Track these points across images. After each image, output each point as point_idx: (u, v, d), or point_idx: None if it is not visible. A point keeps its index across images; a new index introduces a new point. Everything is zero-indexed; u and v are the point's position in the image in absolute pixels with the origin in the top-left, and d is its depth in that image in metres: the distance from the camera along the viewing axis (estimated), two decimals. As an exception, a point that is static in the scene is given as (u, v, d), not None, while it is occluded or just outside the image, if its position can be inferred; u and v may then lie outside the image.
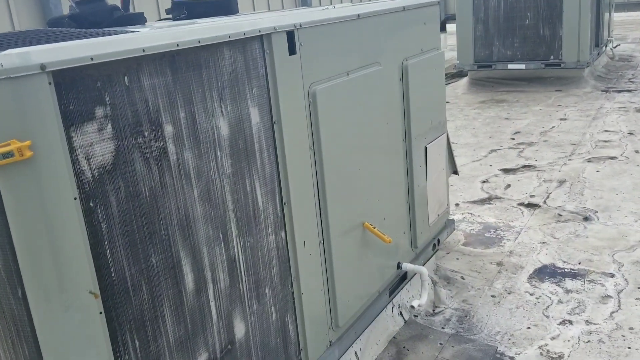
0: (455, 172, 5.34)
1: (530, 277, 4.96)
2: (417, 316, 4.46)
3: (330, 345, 3.37)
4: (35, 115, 1.79)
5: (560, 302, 4.53)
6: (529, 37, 12.50)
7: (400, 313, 4.38)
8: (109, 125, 2.05)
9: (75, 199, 1.91)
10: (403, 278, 4.24)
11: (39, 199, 1.84)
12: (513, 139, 9.24)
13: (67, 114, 1.89)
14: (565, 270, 5.00)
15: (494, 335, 4.21)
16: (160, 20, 4.57)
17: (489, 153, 8.59)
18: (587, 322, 4.24)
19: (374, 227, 3.56)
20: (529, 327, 4.27)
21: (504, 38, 12.75)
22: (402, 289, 4.26)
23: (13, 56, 1.75)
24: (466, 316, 4.46)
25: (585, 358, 3.86)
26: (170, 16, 4.77)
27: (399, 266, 4.08)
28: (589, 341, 4.03)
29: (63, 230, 1.89)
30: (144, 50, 2.11)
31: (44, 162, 1.82)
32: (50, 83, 1.82)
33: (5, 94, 1.74)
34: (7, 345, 2.12)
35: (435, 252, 4.80)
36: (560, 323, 4.26)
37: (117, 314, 2.12)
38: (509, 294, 4.73)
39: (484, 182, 7.40)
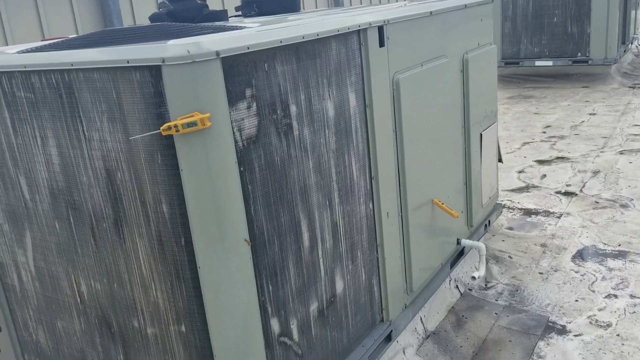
0: (500, 161, 5.69)
1: (574, 257, 5.31)
2: (471, 290, 4.83)
3: (405, 307, 3.76)
4: (211, 94, 2.20)
5: (604, 278, 4.88)
6: (556, 35, 12.78)
7: (457, 286, 4.75)
8: (254, 104, 2.45)
9: (235, 163, 2.32)
10: (460, 254, 4.61)
11: (208, 162, 2.24)
12: (544, 132, 9.56)
13: (230, 93, 2.29)
14: (607, 251, 5.34)
15: (544, 307, 4.57)
16: (231, 17, 4.96)
17: (522, 145, 8.92)
18: (632, 296, 4.59)
19: (443, 204, 3.95)
20: (576, 300, 4.62)
21: (531, 35, 13.03)
22: (458, 263, 4.63)
23: (195, 45, 2.15)
24: (517, 290, 4.82)
25: (632, 326, 4.21)
26: (239, 13, 5.18)
27: (458, 242, 4.45)
28: (634, 312, 4.38)
29: (226, 188, 2.30)
30: (281, 42, 2.51)
31: (216, 132, 2.22)
32: (221, 67, 2.22)
33: (189, 74, 2.15)
34: (165, 286, 2.53)
35: (486, 232, 5.17)
36: (606, 297, 4.62)
37: (258, 262, 2.52)
38: (555, 271, 5.08)
39: (519, 172, 7.74)
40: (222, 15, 4.35)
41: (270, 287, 2.60)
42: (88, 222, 2.69)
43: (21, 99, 2.68)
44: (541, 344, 4.16)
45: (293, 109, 2.67)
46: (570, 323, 4.34)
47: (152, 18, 4.04)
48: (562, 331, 4.27)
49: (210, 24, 3.35)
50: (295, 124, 2.69)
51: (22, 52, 2.82)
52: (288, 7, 5.31)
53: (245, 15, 5.13)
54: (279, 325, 2.68)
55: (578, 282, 4.88)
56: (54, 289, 3.01)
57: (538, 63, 13.15)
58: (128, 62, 2.22)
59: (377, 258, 3.44)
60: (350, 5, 21.25)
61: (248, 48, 2.33)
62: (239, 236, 2.36)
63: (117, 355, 2.88)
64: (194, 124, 2.14)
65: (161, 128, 2.18)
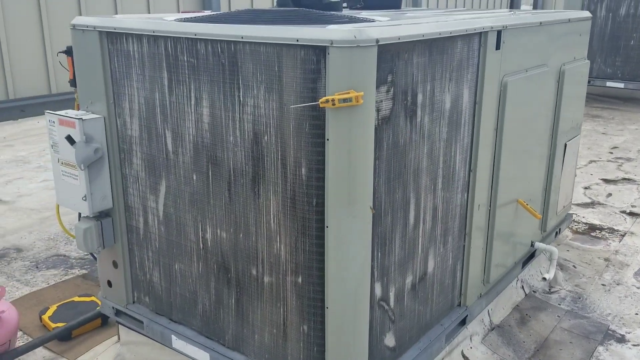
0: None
1: (636, 273, 5.46)
2: (535, 292, 5.05)
3: (480, 296, 4.02)
4: (365, 76, 2.51)
5: (666, 298, 5.03)
6: (631, 58, 12.69)
7: (523, 287, 4.98)
8: (392, 89, 2.75)
9: (372, 139, 2.62)
10: (531, 256, 4.84)
11: (352, 135, 2.56)
12: (611, 152, 9.60)
13: (377, 77, 2.60)
14: (670, 273, 5.48)
15: (605, 316, 4.76)
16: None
17: (589, 163, 9.00)
18: (694, 317, 4.73)
19: (527, 204, 4.18)
20: (636, 314, 4.80)
21: (606, 55, 12.98)
22: (528, 265, 4.86)
23: (360, 31, 2.47)
24: (579, 298, 5.02)
25: (692, 344, 4.38)
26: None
27: (532, 244, 4.68)
28: (695, 332, 4.53)
29: (362, 160, 2.61)
30: (423, 36, 2.80)
31: (364, 109, 2.54)
32: (376, 53, 2.52)
33: (351, 56, 2.46)
34: (290, 240, 2.86)
35: (555, 239, 5.37)
36: (667, 315, 4.78)
37: (373, 230, 2.83)
38: (618, 285, 5.25)
39: (585, 188, 7.86)
40: (337, 5, 4.66)
41: (379, 254, 2.91)
42: (226, 177, 3.05)
43: (183, 63, 3.05)
44: (600, 348, 4.37)
45: (419, 97, 2.96)
46: (629, 333, 4.52)
47: (280, 3, 4.38)
48: (622, 340, 4.46)
49: (344, 13, 3.66)
50: (419, 112, 2.98)
51: (184, 20, 3.19)
52: (391, 4, 5.60)
53: (350, 8, 5.44)
54: (380, 290, 2.98)
55: (639, 297, 5.05)
56: (179, 233, 3.39)
57: (609, 84, 13.09)
58: (297, 41, 2.54)
59: (464, 246, 3.71)
60: (427, 6, 21.37)
61: (399, 38, 2.63)
62: (366, 203, 2.67)
63: (229, 298, 3.24)
64: (349, 99, 2.45)
65: (320, 100, 2.50)
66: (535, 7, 29.20)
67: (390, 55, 2.67)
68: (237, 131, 2.93)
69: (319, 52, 2.54)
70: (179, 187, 3.30)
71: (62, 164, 3.56)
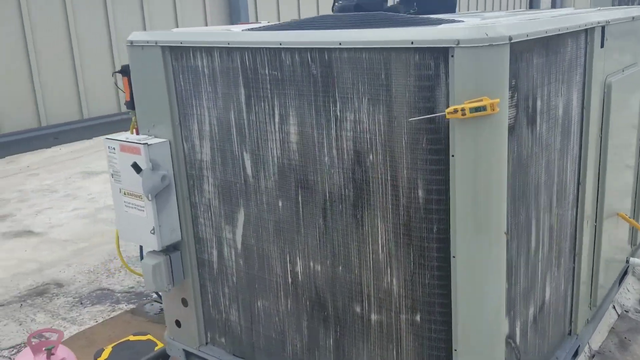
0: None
1: None
2: (628, 312, 4.62)
3: (587, 322, 3.61)
4: (498, 79, 2.15)
5: None
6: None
7: (614, 307, 4.56)
8: (515, 94, 2.38)
9: (505, 152, 2.25)
10: (624, 273, 4.42)
11: (486, 149, 2.19)
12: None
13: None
14: None
15: None
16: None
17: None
18: None
19: (629, 217, 3.79)
20: None
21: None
22: (622, 283, 4.44)
23: (491, 28, 2.11)
24: (677, 316, 4.59)
25: None
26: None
27: (627, 260, 4.27)
28: None
29: (497, 178, 2.24)
30: (546, 32, 2.44)
31: (498, 119, 2.17)
32: (509, 53, 2.16)
33: (482, 58, 2.10)
34: (404, 273, 2.48)
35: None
36: None
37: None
38: None
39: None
40: (398, 9, 4.33)
41: (506, 285, 2.53)
42: (320, 203, 2.69)
43: (264, 76, 2.70)
44: None
45: (538, 103, 2.60)
46: None
47: (338, 8, 4.05)
48: None
49: (428, 16, 3.31)
50: (538, 119, 2.61)
51: (259, 30, 2.85)
52: (447, 7, 5.25)
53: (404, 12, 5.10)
54: (507, 326, 2.59)
55: None
56: (261, 267, 3.03)
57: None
58: (412, 43, 2.19)
59: (573, 268, 3.31)
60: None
61: (527, 35, 2.27)
62: (500, 229, 2.30)
63: (326, 339, 2.86)
64: (482, 108, 2.09)
65: (446, 111, 2.14)
66: (553, 6, 28.76)
67: (514, 56, 2.31)
68: (333, 151, 2.57)
69: (437, 55, 2.18)
70: (260, 216, 2.94)
71: (124, 194, 3.22)
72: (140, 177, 3.06)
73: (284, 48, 2.59)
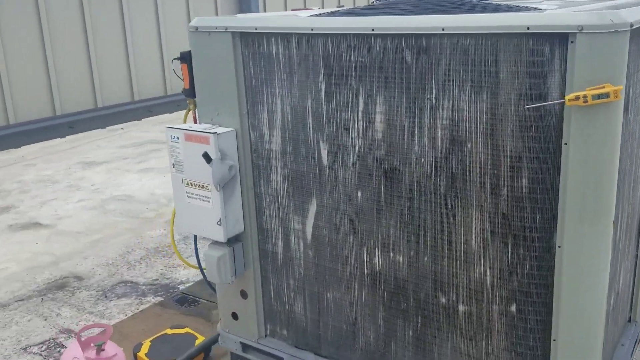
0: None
1: None
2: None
3: (642, 310, 3.64)
4: (619, 66, 2.12)
5: None
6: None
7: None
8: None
9: (619, 140, 2.22)
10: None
11: (603, 137, 2.16)
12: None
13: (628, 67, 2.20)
14: None
15: None
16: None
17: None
18: None
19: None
20: None
21: None
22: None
23: (615, 14, 2.07)
24: None
25: None
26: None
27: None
28: None
29: (610, 166, 2.21)
30: (646, 19, 2.42)
31: (618, 106, 2.14)
32: (629, 39, 2.13)
33: (606, 44, 2.07)
34: (500, 264, 2.45)
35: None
36: None
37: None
38: None
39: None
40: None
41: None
42: (405, 193, 2.64)
43: (348, 63, 2.64)
44: None
45: (631, 91, 2.58)
46: None
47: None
48: None
49: (504, 3, 3.26)
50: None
51: (335, 15, 2.78)
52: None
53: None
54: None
55: None
56: (334, 258, 2.97)
57: None
58: (528, 29, 2.15)
59: (637, 255, 3.33)
60: None
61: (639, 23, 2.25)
62: (610, 218, 2.28)
63: (405, 330, 2.82)
64: (605, 95, 2.06)
65: (567, 97, 2.10)
66: None
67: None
68: (425, 139, 2.52)
69: (554, 41, 2.14)
70: (335, 206, 2.88)
71: (187, 184, 3.13)
72: (210, 167, 2.97)
73: (375, 34, 2.52)
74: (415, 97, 2.50)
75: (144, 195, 8.14)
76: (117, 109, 10.57)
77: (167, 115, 12.14)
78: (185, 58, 3.21)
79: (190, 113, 3.39)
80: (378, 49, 2.54)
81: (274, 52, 2.86)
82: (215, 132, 2.97)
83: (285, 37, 2.80)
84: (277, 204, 3.10)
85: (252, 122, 3.05)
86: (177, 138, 3.09)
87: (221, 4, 12.57)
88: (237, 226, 3.16)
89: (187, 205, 3.17)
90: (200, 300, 5.08)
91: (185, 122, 3.48)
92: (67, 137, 10.59)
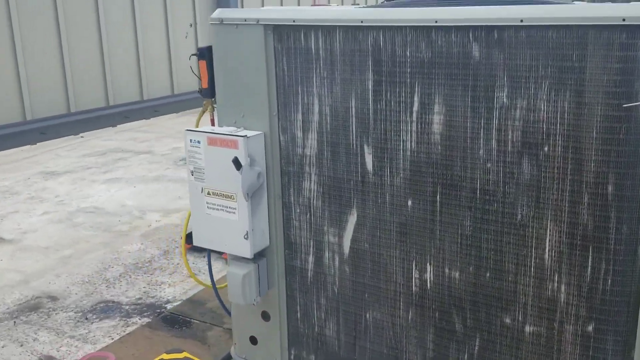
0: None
1: None
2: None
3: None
4: None
5: None
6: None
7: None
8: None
9: None
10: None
11: None
12: None
13: None
14: None
15: None
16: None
17: None
18: None
19: None
20: None
21: None
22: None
23: None
24: None
25: None
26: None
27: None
28: None
29: None
30: None
31: None
32: None
33: None
34: (578, 280, 2.23)
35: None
36: None
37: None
38: None
39: None
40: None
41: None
42: (466, 202, 2.39)
43: (402, 59, 2.39)
44: None
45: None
46: None
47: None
48: None
49: None
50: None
51: (391, 4, 2.53)
52: None
53: None
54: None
55: None
56: (375, 275, 2.70)
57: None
58: (624, 20, 1.95)
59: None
60: None
61: None
62: None
63: (459, 354, 2.57)
64: None
65: (673, 96, 1.91)
66: None
67: None
68: (492, 142, 2.29)
69: (651, 34, 1.95)
70: (380, 217, 2.62)
71: (208, 194, 2.81)
72: (239, 174, 2.66)
73: (437, 26, 2.28)
74: (482, 95, 2.27)
75: (114, 207, 7.65)
76: (91, 114, 10.02)
77: (143, 121, 11.63)
78: (204, 54, 2.90)
79: (206, 115, 3.07)
80: (440, 42, 2.30)
81: (312, 47, 2.58)
82: (245, 135, 2.67)
83: (327, 30, 2.53)
84: (308, 214, 2.81)
85: (283, 124, 2.76)
86: (199, 142, 2.77)
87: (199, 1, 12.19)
88: (263, 240, 2.85)
89: (206, 217, 2.84)
90: (193, 320, 4.70)
91: (197, 125, 3.16)
92: (27, 145, 9.98)
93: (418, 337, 2.66)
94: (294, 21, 2.58)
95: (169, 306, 5.01)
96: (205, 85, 2.94)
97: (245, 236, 2.75)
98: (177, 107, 11.70)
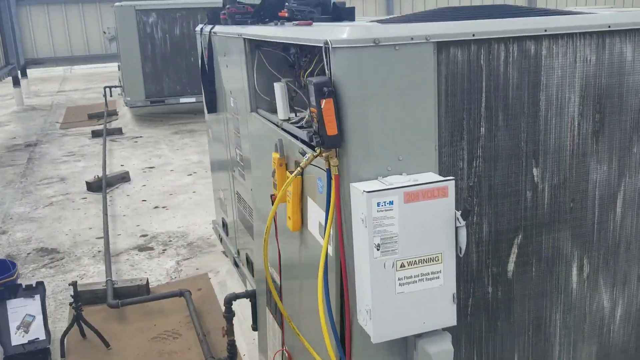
0: None
1: None
2: None
3: None
4: None
5: None
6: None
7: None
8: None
9: None
10: None
11: None
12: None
13: None
14: None
15: None
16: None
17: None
18: None
19: None
20: None
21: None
22: None
23: None
24: None
25: None
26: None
27: None
28: None
29: None
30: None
31: None
32: None
33: None
34: None
35: None
36: None
37: None
38: None
39: None
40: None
41: None
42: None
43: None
44: None
45: None
46: None
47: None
48: None
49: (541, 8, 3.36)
50: None
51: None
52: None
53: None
54: None
55: None
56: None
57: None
58: None
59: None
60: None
61: None
62: None
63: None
64: None
65: None
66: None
67: None
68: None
69: None
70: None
71: (400, 267, 2.13)
72: (450, 227, 2.13)
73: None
74: None
75: None
76: None
77: None
78: (329, 90, 2.11)
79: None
80: None
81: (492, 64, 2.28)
82: (452, 179, 2.14)
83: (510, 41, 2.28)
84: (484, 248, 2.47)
85: (450, 153, 2.33)
86: (391, 203, 2.06)
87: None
88: (450, 301, 2.35)
89: (396, 299, 2.14)
90: None
91: (285, 191, 2.27)
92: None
93: None
94: (473, 35, 2.21)
95: None
96: (333, 131, 2.14)
97: (454, 299, 2.23)
98: None
